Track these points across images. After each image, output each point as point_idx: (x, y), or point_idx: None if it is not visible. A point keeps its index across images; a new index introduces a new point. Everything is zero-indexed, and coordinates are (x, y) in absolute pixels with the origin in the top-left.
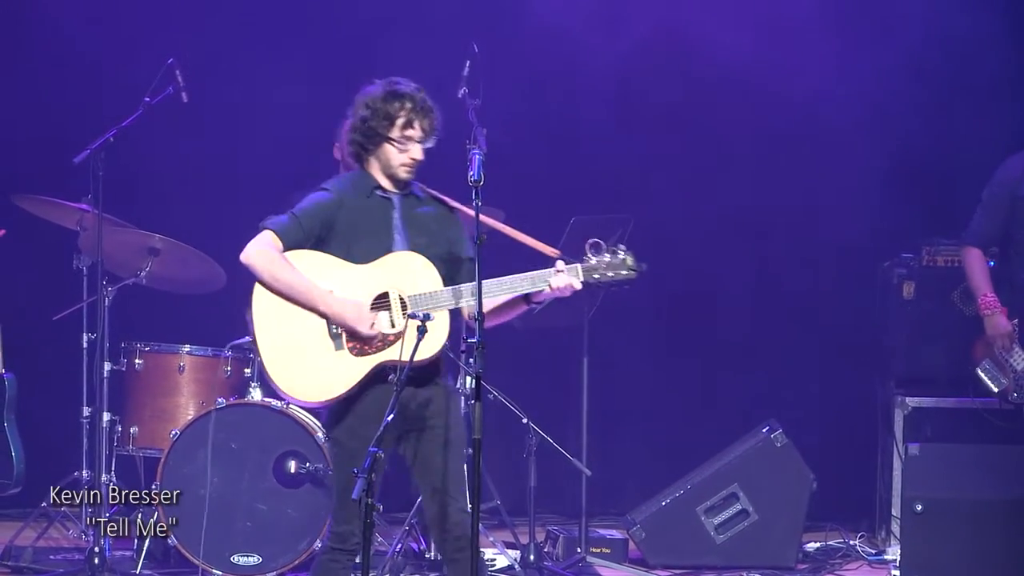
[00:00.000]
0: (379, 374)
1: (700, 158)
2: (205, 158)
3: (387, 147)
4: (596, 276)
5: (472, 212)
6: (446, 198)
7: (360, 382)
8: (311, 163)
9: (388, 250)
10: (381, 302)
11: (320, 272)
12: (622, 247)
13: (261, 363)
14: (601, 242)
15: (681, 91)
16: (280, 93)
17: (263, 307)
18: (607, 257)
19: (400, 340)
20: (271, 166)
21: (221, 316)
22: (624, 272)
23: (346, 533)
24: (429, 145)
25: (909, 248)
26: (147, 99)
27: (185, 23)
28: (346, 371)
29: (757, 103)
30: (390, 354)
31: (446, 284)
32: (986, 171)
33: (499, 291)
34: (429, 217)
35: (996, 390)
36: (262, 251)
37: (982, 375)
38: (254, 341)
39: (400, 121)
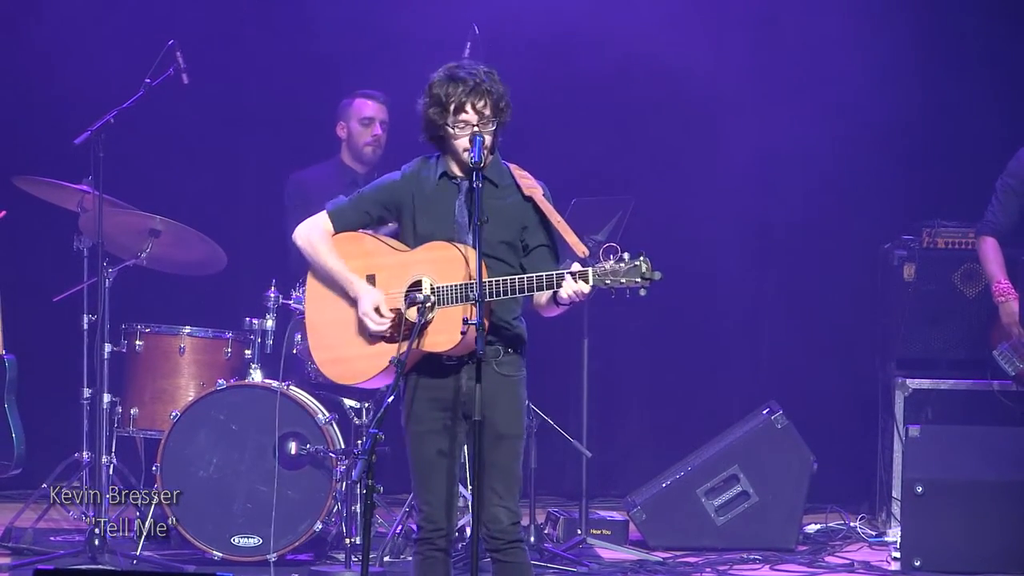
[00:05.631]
0: (433, 361)
1: (700, 140)
2: (206, 139)
3: (447, 133)
4: (608, 282)
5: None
6: (532, 185)
7: (387, 369)
8: (312, 143)
9: (447, 236)
10: (415, 289)
11: (367, 256)
12: (642, 255)
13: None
14: (616, 246)
15: (680, 72)
16: (280, 73)
17: (313, 286)
18: (622, 265)
19: (419, 328)
20: (272, 147)
21: (222, 298)
22: (637, 279)
23: (424, 520)
24: (491, 128)
25: (909, 230)
26: (148, 80)
27: (186, 4)
28: (378, 356)
29: (756, 85)
30: (417, 342)
31: (511, 272)
32: (987, 152)
33: (505, 290)
34: (499, 204)
35: (1012, 373)
36: (309, 231)
37: (999, 358)
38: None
39: (452, 106)
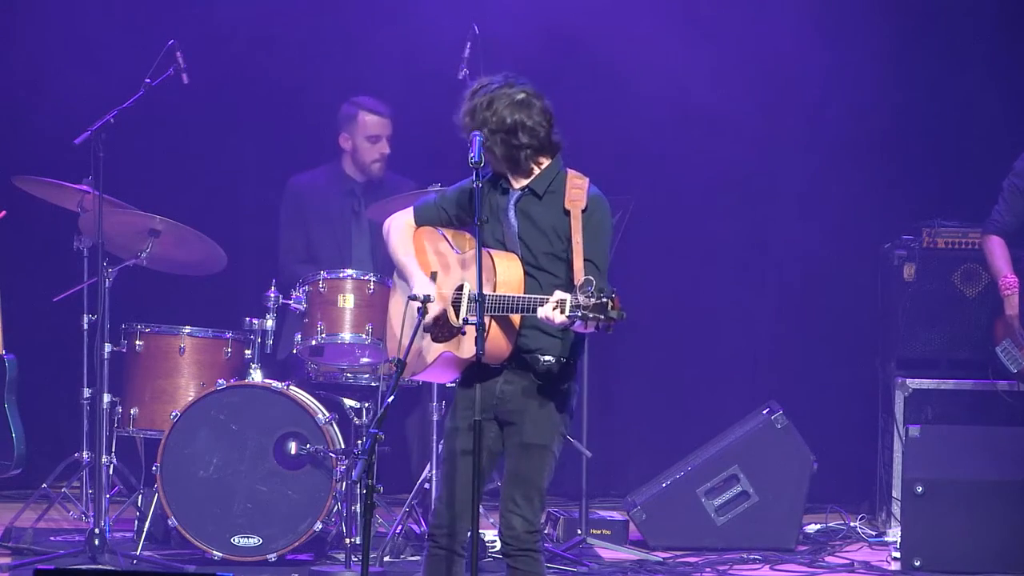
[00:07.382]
0: (478, 366)
1: (700, 139)
2: (206, 140)
3: None
4: (579, 315)
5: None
6: (576, 198)
7: (430, 367)
8: (312, 146)
9: (499, 240)
10: (459, 292)
11: (437, 253)
12: (612, 293)
13: None
14: (592, 279)
15: (680, 72)
16: (280, 73)
17: (395, 281)
18: (591, 300)
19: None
20: (272, 148)
21: (222, 298)
22: (603, 317)
23: (432, 514)
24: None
25: (909, 230)
26: (148, 80)
27: (186, 3)
28: (422, 354)
29: (756, 84)
30: (452, 346)
31: (558, 284)
32: (987, 151)
33: (496, 306)
34: (538, 215)
35: (1015, 371)
36: (392, 224)
37: (1001, 355)
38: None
39: None
